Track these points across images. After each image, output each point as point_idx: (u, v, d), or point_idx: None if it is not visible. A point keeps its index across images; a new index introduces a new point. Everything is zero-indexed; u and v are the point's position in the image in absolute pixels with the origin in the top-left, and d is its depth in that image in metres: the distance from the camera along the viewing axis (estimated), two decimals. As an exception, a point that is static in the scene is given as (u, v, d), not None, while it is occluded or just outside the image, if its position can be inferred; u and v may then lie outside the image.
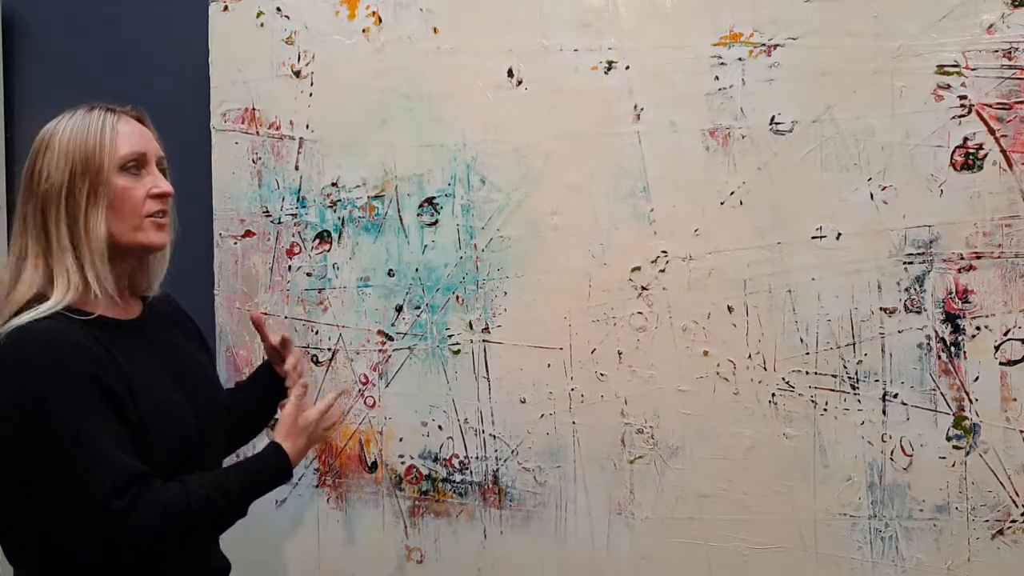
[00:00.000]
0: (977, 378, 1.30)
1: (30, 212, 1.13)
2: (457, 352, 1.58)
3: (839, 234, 1.36)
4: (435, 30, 1.58)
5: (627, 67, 1.46)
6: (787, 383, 1.39)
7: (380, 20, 1.62)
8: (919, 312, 1.32)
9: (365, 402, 1.65)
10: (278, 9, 1.70)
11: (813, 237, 1.37)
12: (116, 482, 1.02)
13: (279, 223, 1.71)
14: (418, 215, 1.61)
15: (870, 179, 1.34)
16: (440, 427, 1.60)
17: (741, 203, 1.41)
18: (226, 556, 1.32)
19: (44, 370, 1.03)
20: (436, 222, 1.60)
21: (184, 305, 1.38)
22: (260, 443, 1.76)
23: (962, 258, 1.30)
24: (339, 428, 1.67)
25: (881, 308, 1.34)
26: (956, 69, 1.29)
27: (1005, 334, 1.29)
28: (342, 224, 1.66)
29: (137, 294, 1.25)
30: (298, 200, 1.69)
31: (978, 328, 1.30)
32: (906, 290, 1.33)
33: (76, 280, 1.10)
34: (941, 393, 1.31)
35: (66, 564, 1.08)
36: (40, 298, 1.09)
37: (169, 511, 1.05)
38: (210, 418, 1.22)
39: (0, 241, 1.98)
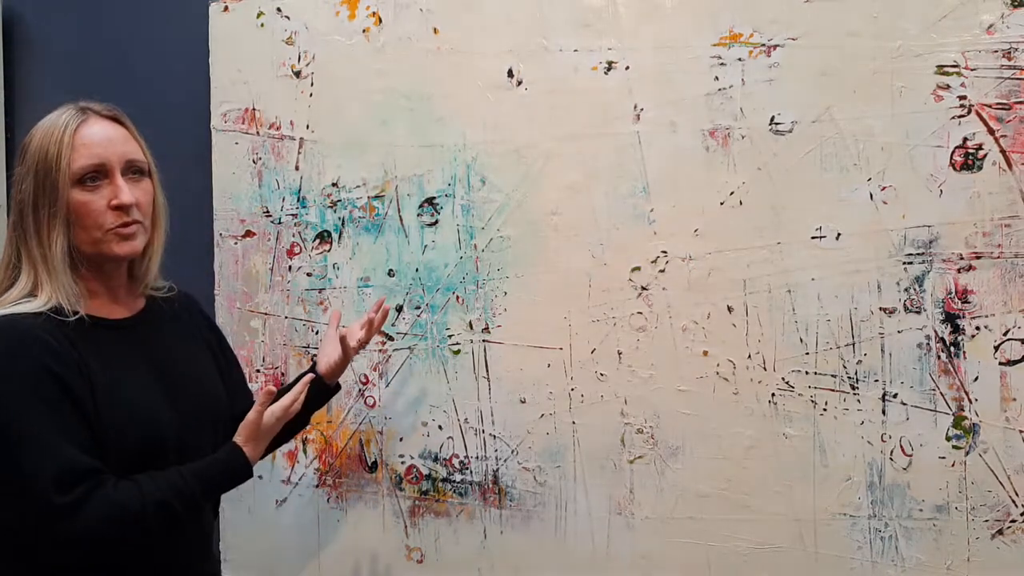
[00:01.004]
0: (977, 378, 1.30)
1: (16, 219, 1.14)
2: (457, 352, 1.59)
3: (839, 234, 1.36)
4: (435, 30, 1.58)
5: (627, 67, 1.46)
6: (787, 383, 1.39)
7: (380, 20, 1.62)
8: (919, 312, 1.32)
9: (365, 402, 1.65)
10: (278, 9, 1.70)
11: (813, 237, 1.37)
12: (59, 477, 1.01)
13: (279, 223, 1.71)
14: (418, 215, 1.61)
15: (870, 179, 1.34)
16: (440, 427, 1.60)
17: (741, 203, 1.41)
18: (218, 561, 1.31)
19: (6, 355, 1.04)
20: (436, 222, 1.60)
21: (202, 309, 1.38)
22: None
23: (962, 258, 1.30)
24: (339, 428, 1.67)
25: (881, 308, 1.34)
26: (956, 69, 1.30)
27: (1005, 334, 1.29)
28: (342, 224, 1.66)
29: (139, 290, 1.25)
30: (298, 200, 1.69)
31: (978, 328, 1.30)
32: (906, 290, 1.33)
33: (51, 291, 1.11)
34: (941, 393, 1.31)
35: (24, 561, 1.08)
36: (30, 297, 1.11)
37: (121, 511, 1.04)
38: (198, 418, 1.20)
39: None
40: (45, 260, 1.11)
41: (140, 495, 1.06)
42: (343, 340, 1.41)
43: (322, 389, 1.42)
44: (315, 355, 1.49)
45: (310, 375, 1.37)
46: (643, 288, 1.46)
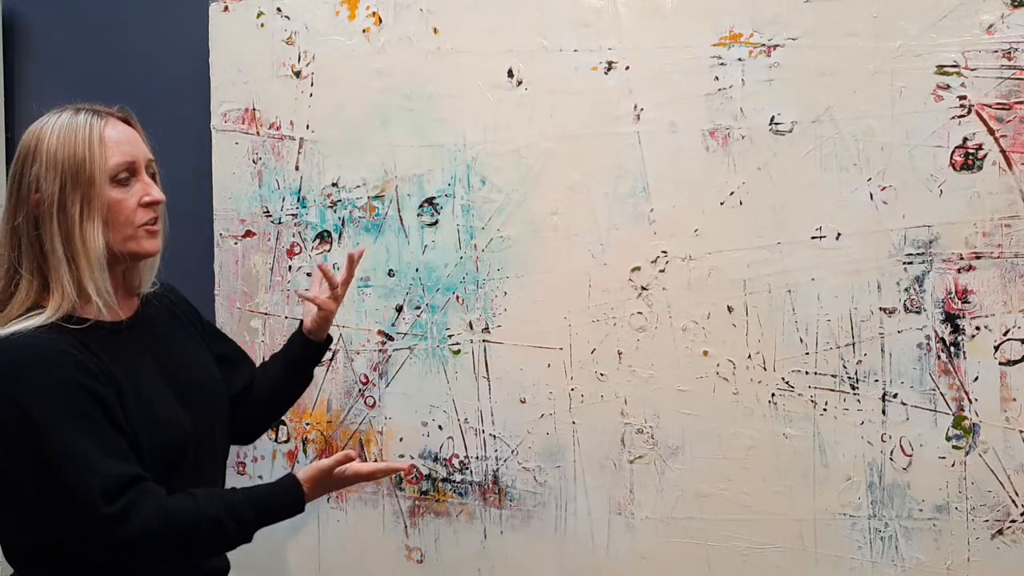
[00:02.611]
0: (977, 378, 1.30)
1: (22, 224, 1.10)
2: (457, 352, 1.59)
3: (839, 234, 1.36)
4: (435, 30, 1.58)
5: (627, 67, 1.46)
6: (787, 383, 1.39)
7: (380, 20, 1.62)
8: (919, 312, 1.32)
9: (365, 402, 1.65)
10: (278, 9, 1.70)
11: (813, 237, 1.37)
12: (105, 487, 1.01)
13: (279, 223, 1.71)
14: (418, 215, 1.61)
15: (870, 179, 1.34)
16: (440, 427, 1.60)
17: (741, 203, 1.41)
18: (227, 556, 1.32)
19: (29, 381, 1.03)
20: (436, 222, 1.60)
21: (185, 297, 1.38)
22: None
23: (962, 258, 1.30)
24: (339, 428, 1.67)
25: (881, 308, 1.34)
26: (956, 69, 1.30)
27: (1005, 334, 1.29)
28: (342, 224, 1.66)
29: (131, 292, 1.24)
30: (298, 200, 1.69)
31: (978, 328, 1.30)
32: (906, 290, 1.33)
33: (71, 291, 1.08)
34: (941, 393, 1.31)
35: (65, 566, 1.08)
36: (35, 308, 1.09)
37: (174, 522, 1.04)
38: (206, 414, 1.21)
39: None
40: (74, 258, 1.08)
41: (196, 509, 1.06)
42: (324, 300, 1.37)
43: (314, 345, 1.39)
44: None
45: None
46: (643, 288, 1.46)
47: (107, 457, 1.03)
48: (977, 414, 1.30)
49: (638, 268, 1.47)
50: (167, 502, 1.05)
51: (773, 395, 1.40)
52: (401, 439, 1.63)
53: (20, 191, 1.11)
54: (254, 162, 1.72)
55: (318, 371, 1.67)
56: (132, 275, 1.23)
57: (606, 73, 1.48)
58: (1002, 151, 1.28)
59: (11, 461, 1.03)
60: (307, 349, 1.40)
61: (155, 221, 1.16)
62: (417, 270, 1.61)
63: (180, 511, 1.05)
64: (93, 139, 1.10)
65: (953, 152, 1.30)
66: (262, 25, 1.71)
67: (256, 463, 1.74)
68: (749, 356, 1.41)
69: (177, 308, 1.32)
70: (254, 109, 1.72)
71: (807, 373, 1.38)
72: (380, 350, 1.64)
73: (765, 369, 1.40)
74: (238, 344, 1.41)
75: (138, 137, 1.17)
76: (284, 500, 1.16)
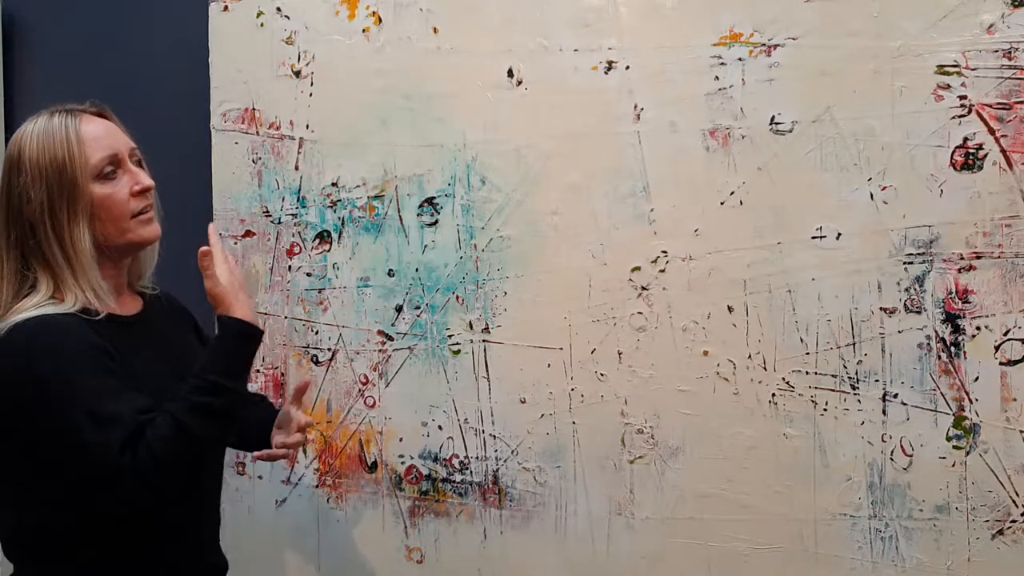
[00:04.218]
0: (977, 378, 1.30)
1: (21, 234, 1.13)
2: (457, 352, 1.58)
3: (839, 234, 1.36)
4: (435, 30, 1.58)
5: (627, 67, 1.46)
6: (787, 383, 1.39)
7: (380, 20, 1.62)
8: (919, 312, 1.32)
9: (365, 402, 1.65)
10: (278, 9, 1.70)
11: (813, 237, 1.37)
12: (123, 440, 1.02)
13: (279, 223, 1.71)
14: (418, 215, 1.61)
15: (870, 179, 1.34)
16: (440, 427, 1.60)
17: (741, 203, 1.41)
18: (224, 555, 1.32)
19: (48, 349, 1.05)
20: (436, 222, 1.59)
21: (184, 305, 1.39)
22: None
23: (962, 258, 1.30)
24: (339, 428, 1.67)
25: (881, 308, 1.34)
26: (956, 69, 1.29)
27: (1005, 334, 1.28)
28: (342, 224, 1.66)
29: (133, 287, 1.27)
30: (298, 200, 1.69)
31: (978, 328, 1.29)
32: (906, 290, 1.33)
33: (79, 292, 1.12)
34: (941, 393, 1.31)
35: (65, 559, 1.09)
36: (54, 301, 1.12)
37: (165, 442, 1.03)
38: None
39: None
40: (69, 261, 1.11)
41: (171, 415, 1.05)
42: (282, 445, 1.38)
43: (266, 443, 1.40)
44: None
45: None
46: (643, 288, 1.46)
47: (121, 407, 1.04)
48: (977, 414, 1.30)
49: (638, 268, 1.46)
50: (150, 431, 1.03)
51: (773, 395, 1.39)
52: (401, 439, 1.63)
53: (11, 203, 1.13)
54: (254, 162, 1.72)
55: (318, 372, 1.68)
56: (133, 268, 1.26)
57: (606, 73, 1.48)
58: (1002, 151, 1.28)
59: (31, 420, 1.05)
60: (262, 442, 1.39)
61: (149, 208, 1.18)
62: (417, 270, 1.61)
63: (163, 430, 1.04)
64: (71, 140, 1.12)
65: (953, 152, 1.30)
66: (262, 25, 1.71)
67: (255, 463, 1.74)
68: (749, 356, 1.40)
69: (176, 314, 1.34)
70: (254, 109, 1.72)
71: (807, 373, 1.38)
72: (380, 350, 1.63)
73: (765, 369, 1.40)
74: None
75: (116, 129, 1.19)
76: (228, 337, 1.14)
